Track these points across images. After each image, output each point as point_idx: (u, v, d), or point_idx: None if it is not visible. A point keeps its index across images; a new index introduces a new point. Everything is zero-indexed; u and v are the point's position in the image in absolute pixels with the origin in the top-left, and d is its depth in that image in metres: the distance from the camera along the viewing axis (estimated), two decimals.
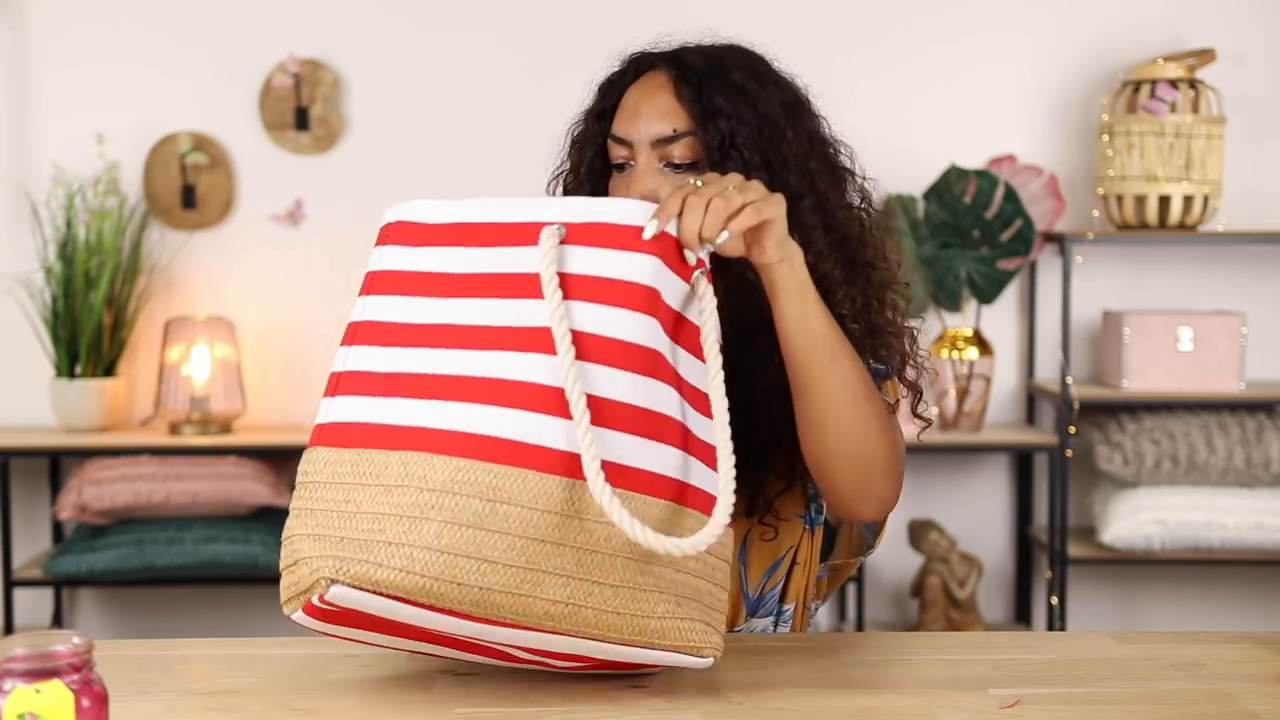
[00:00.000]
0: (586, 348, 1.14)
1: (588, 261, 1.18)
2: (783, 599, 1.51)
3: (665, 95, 1.47)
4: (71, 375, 3.50)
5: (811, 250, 1.44)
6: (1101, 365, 3.62)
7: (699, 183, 1.26)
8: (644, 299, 1.17)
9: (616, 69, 1.55)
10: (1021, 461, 3.72)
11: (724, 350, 1.23)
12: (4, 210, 3.64)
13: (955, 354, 3.52)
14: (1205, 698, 1.23)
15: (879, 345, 1.49)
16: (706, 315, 1.21)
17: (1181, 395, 3.45)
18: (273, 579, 3.39)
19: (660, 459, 1.15)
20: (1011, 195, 3.48)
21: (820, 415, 1.34)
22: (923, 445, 3.44)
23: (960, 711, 1.19)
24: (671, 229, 1.21)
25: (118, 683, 1.20)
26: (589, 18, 3.57)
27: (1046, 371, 3.69)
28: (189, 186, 3.59)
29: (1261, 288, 3.69)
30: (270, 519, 3.46)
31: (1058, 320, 3.60)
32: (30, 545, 3.67)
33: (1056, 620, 3.49)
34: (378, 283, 1.24)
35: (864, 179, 1.56)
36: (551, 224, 1.19)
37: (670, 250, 1.20)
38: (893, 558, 3.73)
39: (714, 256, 1.26)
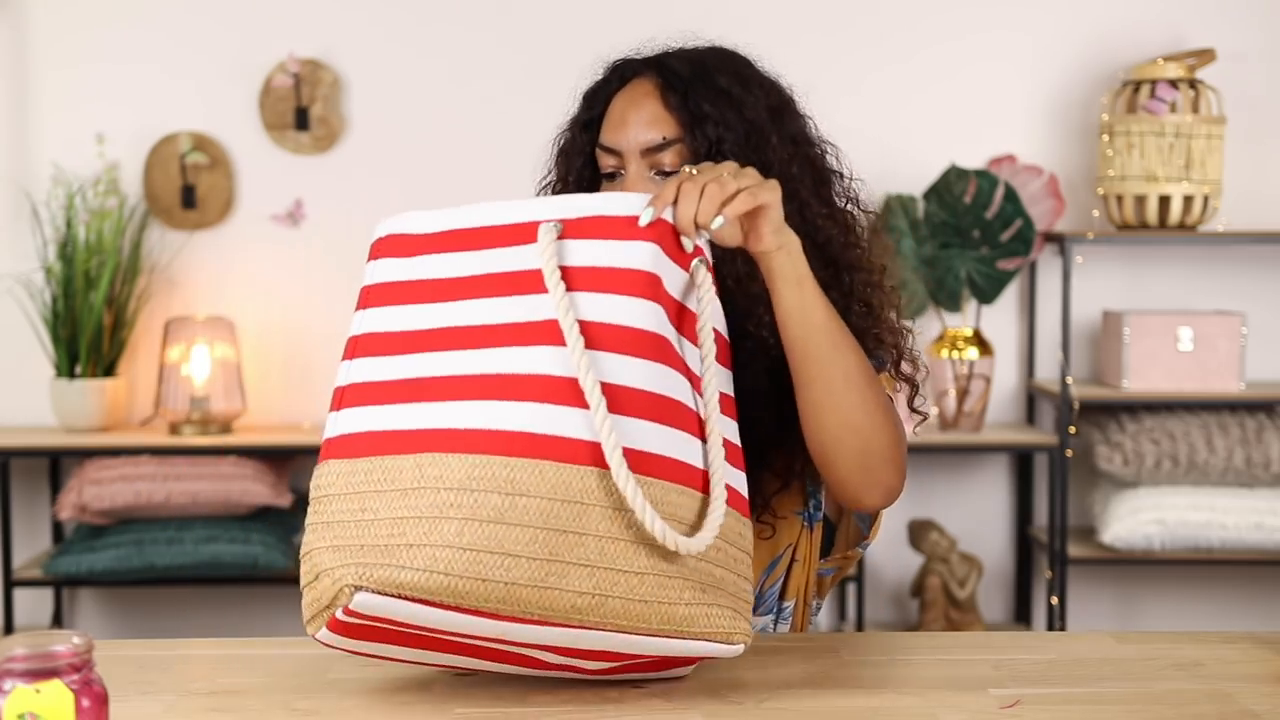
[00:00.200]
0: (593, 336, 1.13)
1: (586, 253, 1.18)
2: (782, 596, 1.51)
3: (652, 103, 1.47)
4: (71, 375, 3.50)
5: None
6: (1101, 365, 3.62)
7: (693, 171, 1.26)
8: (646, 285, 1.17)
9: (600, 77, 1.55)
10: (1021, 461, 3.73)
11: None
12: (4, 210, 3.64)
13: (955, 354, 3.52)
14: (1205, 698, 1.23)
15: (867, 344, 1.49)
16: (704, 303, 1.21)
17: (1181, 395, 3.45)
18: (273, 579, 3.40)
19: (677, 445, 1.15)
20: (1011, 195, 3.48)
21: (823, 404, 1.34)
22: (923, 445, 3.44)
23: (960, 711, 1.19)
24: (668, 216, 1.21)
25: (118, 683, 1.20)
26: (589, 17, 3.58)
27: (1046, 371, 3.69)
28: (189, 186, 3.59)
29: (1261, 288, 3.69)
30: (270, 519, 3.46)
31: (1058, 320, 3.60)
32: (30, 545, 3.67)
33: (1056, 620, 3.49)
34: (374, 296, 1.24)
35: (850, 179, 1.55)
36: (548, 220, 1.19)
37: (668, 238, 1.20)
38: (893, 558, 3.73)
39: (713, 249, 1.26)
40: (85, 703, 0.99)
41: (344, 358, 1.23)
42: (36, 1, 3.61)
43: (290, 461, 3.61)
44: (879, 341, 1.50)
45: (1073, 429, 3.45)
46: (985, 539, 3.74)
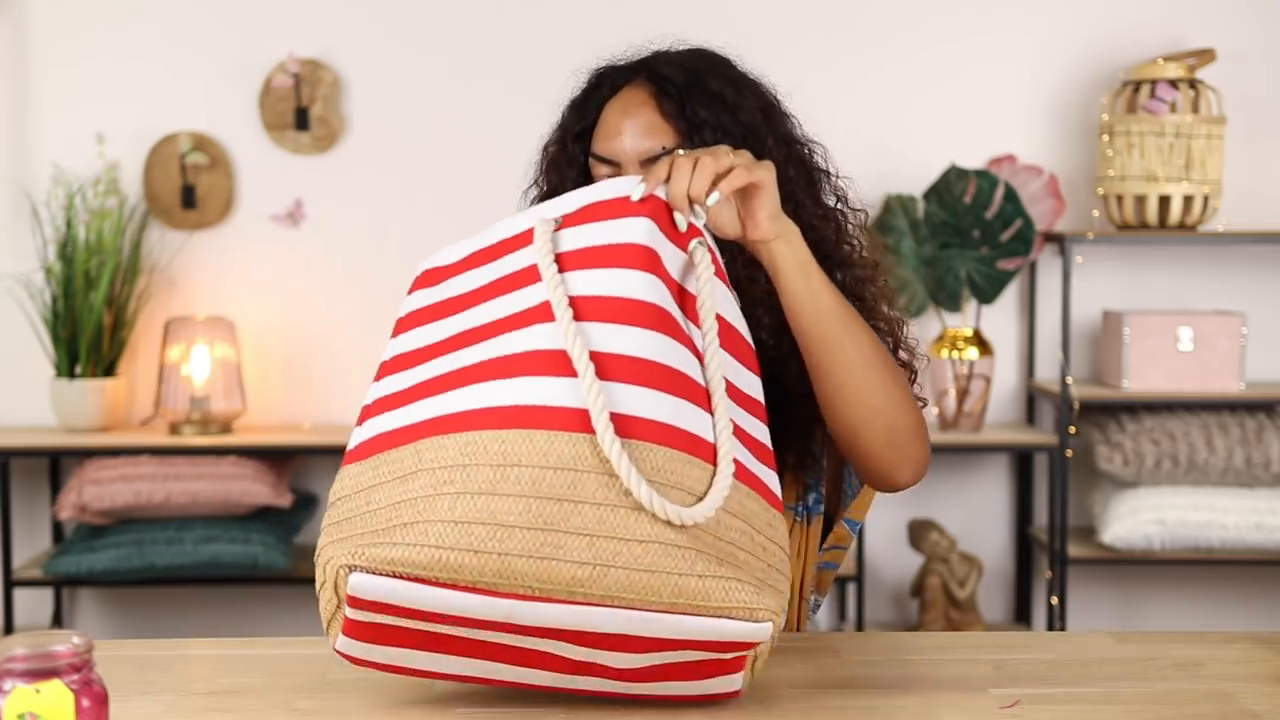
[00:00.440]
0: (587, 310, 1.13)
1: (581, 237, 1.18)
2: None
3: (649, 111, 1.46)
4: (71, 375, 3.50)
5: None
6: (1101, 365, 3.62)
7: (681, 153, 1.26)
8: (641, 257, 1.16)
9: (587, 85, 1.54)
10: (1021, 461, 3.73)
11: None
12: (4, 210, 3.64)
13: (955, 354, 3.52)
14: (1205, 698, 1.23)
15: None
16: (703, 282, 1.19)
17: (1181, 395, 3.45)
18: (273, 579, 3.40)
19: (684, 414, 1.11)
20: (1011, 195, 3.48)
21: (843, 387, 1.34)
22: None
23: (960, 711, 1.19)
24: (661, 194, 1.21)
25: (118, 683, 1.20)
26: (589, 17, 3.58)
27: (1046, 371, 3.69)
28: (189, 186, 3.59)
29: (1261, 288, 3.69)
30: (270, 519, 3.46)
31: (1058, 320, 3.60)
32: (30, 545, 3.67)
33: (1056, 620, 3.49)
34: (405, 324, 1.26)
35: (838, 177, 1.55)
36: (545, 218, 1.20)
37: (662, 214, 1.19)
38: (893, 558, 3.73)
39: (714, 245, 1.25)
40: (85, 703, 0.99)
41: (374, 381, 1.24)
42: (36, 1, 3.61)
43: (290, 461, 3.61)
44: (876, 332, 1.50)
45: (1073, 429, 3.45)
46: (985, 539, 3.74)
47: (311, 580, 3.44)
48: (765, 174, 1.27)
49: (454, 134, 3.63)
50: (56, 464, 3.65)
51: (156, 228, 3.64)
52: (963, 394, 3.52)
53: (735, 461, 1.13)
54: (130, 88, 3.62)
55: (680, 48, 1.56)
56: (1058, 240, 3.50)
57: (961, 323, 3.59)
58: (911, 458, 1.39)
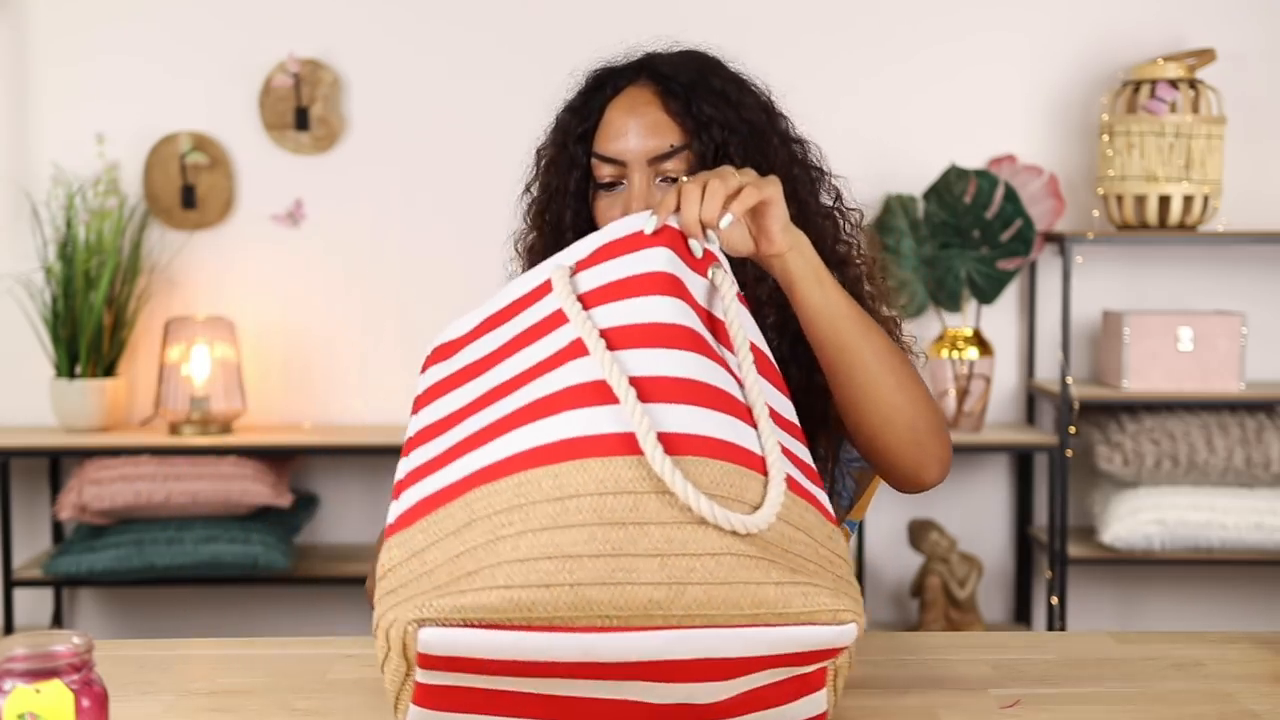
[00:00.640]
0: (618, 339, 1.11)
1: (601, 275, 1.17)
2: None
3: (654, 110, 1.46)
4: (71, 375, 3.50)
5: None
6: (1101, 365, 3.62)
7: (686, 180, 1.25)
8: (665, 284, 1.14)
9: (585, 86, 1.53)
10: (1021, 461, 3.73)
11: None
12: (4, 210, 3.64)
13: (955, 354, 3.52)
14: (1205, 698, 1.23)
15: None
16: (729, 304, 1.18)
17: (1181, 395, 3.45)
18: (273, 579, 3.40)
19: (727, 428, 1.09)
20: (1011, 195, 3.48)
21: (864, 390, 1.35)
22: None
23: (960, 711, 1.19)
24: (673, 223, 1.20)
25: (118, 683, 1.20)
26: (589, 16, 3.58)
27: (1046, 371, 3.69)
28: (189, 186, 3.59)
29: (1261, 288, 3.69)
30: (270, 519, 3.46)
31: (1058, 320, 3.60)
32: (30, 545, 3.67)
33: (1056, 620, 3.49)
34: (424, 398, 1.23)
35: (832, 176, 1.56)
36: (560, 266, 1.19)
37: (678, 243, 1.19)
38: (893, 558, 3.73)
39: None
40: (85, 703, 0.99)
41: (402, 455, 1.20)
42: (36, 1, 3.61)
43: (290, 461, 3.61)
44: None
45: (1073, 429, 3.45)
46: (985, 539, 3.74)
47: (311, 580, 3.44)
48: (773, 189, 1.27)
49: (454, 134, 3.63)
50: (56, 464, 3.65)
51: (156, 228, 3.64)
52: (963, 394, 3.52)
53: (787, 476, 1.11)
54: (130, 88, 3.62)
55: (674, 49, 1.55)
56: (1058, 240, 3.50)
57: (961, 323, 3.59)
58: (935, 455, 1.39)
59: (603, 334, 1.11)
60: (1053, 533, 3.46)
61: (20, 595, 3.64)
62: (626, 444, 1.05)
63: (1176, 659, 1.34)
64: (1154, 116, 3.41)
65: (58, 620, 3.66)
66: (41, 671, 0.98)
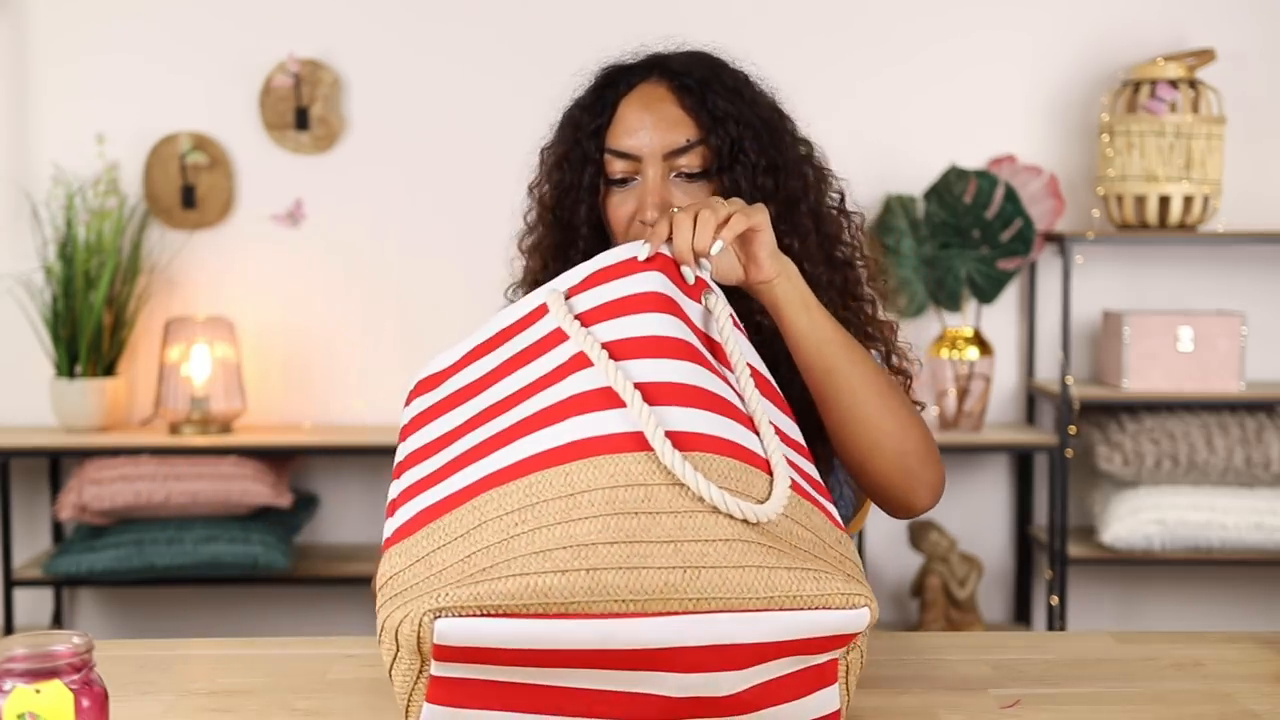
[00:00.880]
0: (620, 351, 1.13)
1: (596, 297, 1.19)
2: None
3: (669, 105, 1.46)
4: (71, 375, 3.50)
5: (804, 252, 1.45)
6: (1101, 365, 3.62)
7: (677, 210, 1.27)
8: (660, 302, 1.16)
9: (596, 83, 1.53)
10: (1021, 461, 3.73)
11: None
12: (4, 210, 3.64)
13: (955, 354, 3.52)
14: (1205, 698, 1.23)
15: (863, 339, 1.50)
16: (723, 323, 1.20)
17: (1181, 395, 3.45)
18: (272, 579, 3.40)
19: (730, 429, 1.11)
20: (1011, 195, 3.48)
21: (852, 416, 1.35)
22: None
23: (960, 711, 1.19)
24: (666, 251, 1.22)
25: (118, 683, 1.20)
26: (589, 16, 3.58)
27: (1046, 371, 3.69)
28: (189, 186, 3.59)
29: (1261, 288, 3.69)
30: (270, 519, 3.46)
31: (1058, 320, 3.60)
32: (30, 545, 3.67)
33: (1056, 620, 3.49)
34: (412, 425, 1.25)
35: (836, 179, 1.56)
36: (554, 291, 1.21)
37: (671, 271, 1.21)
38: (893, 558, 3.73)
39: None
40: (85, 703, 0.99)
41: (394, 477, 1.22)
42: (36, 1, 3.61)
43: (290, 461, 3.61)
44: (868, 337, 1.51)
45: (1073, 429, 3.45)
46: (985, 539, 3.74)
47: (311, 580, 3.44)
48: (761, 217, 1.29)
49: (454, 134, 3.63)
50: (56, 464, 3.65)
51: (156, 228, 3.64)
52: (963, 394, 3.52)
53: (793, 482, 1.13)
54: (130, 87, 3.62)
55: (682, 49, 1.55)
56: (1058, 240, 3.50)
57: (961, 323, 3.59)
58: (925, 482, 1.39)
59: (604, 346, 1.13)
60: (1053, 533, 3.46)
61: (20, 595, 3.64)
62: (635, 441, 1.07)
63: (1176, 659, 1.34)
64: (1154, 116, 3.41)
65: (58, 620, 3.66)
66: (41, 671, 0.98)
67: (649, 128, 1.45)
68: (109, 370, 3.53)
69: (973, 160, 3.62)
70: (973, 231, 3.51)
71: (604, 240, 1.52)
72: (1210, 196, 3.45)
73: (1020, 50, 3.66)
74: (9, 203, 3.64)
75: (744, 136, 1.45)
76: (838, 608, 1.05)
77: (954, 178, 3.49)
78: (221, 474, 3.35)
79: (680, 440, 1.08)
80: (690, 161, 1.45)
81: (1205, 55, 3.47)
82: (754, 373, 1.20)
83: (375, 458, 3.64)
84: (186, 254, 3.65)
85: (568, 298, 1.21)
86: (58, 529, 3.66)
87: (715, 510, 1.05)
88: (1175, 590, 3.75)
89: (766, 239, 1.29)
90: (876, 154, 3.61)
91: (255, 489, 3.35)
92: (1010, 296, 3.70)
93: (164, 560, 3.33)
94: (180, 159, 3.58)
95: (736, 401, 1.15)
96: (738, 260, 1.32)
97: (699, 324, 1.20)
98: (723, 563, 1.04)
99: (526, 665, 1.04)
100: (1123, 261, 3.69)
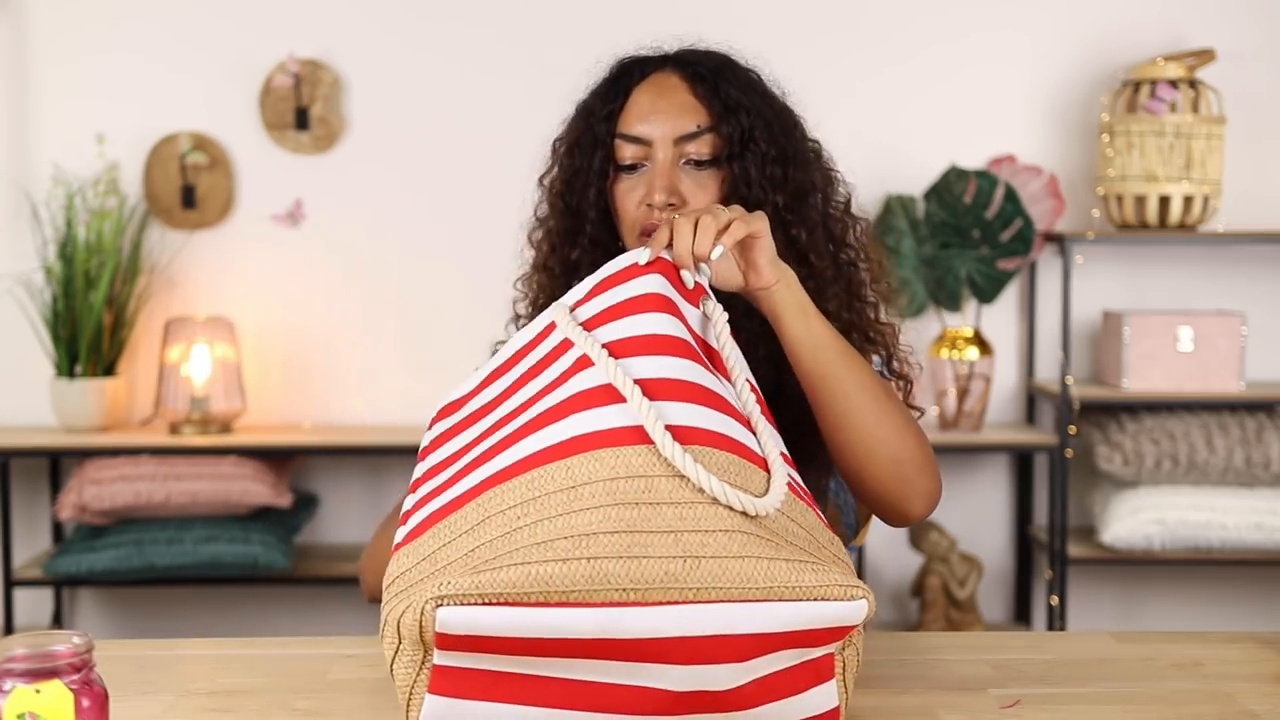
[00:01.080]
0: (621, 350, 1.15)
1: (599, 303, 1.21)
2: None
3: (682, 93, 1.47)
4: (71, 375, 3.50)
5: (811, 244, 1.45)
6: (1101, 365, 3.62)
7: (678, 215, 1.28)
8: (660, 303, 1.18)
9: (611, 73, 1.54)
10: (1021, 461, 3.73)
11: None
12: (4, 210, 3.64)
13: (955, 354, 3.52)
14: (1205, 698, 1.23)
15: (864, 341, 1.50)
16: (720, 329, 1.22)
17: (1181, 395, 3.45)
18: (273, 579, 3.40)
19: (728, 425, 1.13)
20: (1011, 195, 3.48)
21: (848, 423, 1.35)
22: None
23: (960, 711, 1.19)
24: (666, 256, 1.23)
25: (118, 683, 1.20)
26: (589, 16, 3.58)
27: (1046, 371, 3.69)
28: (189, 186, 3.59)
29: (1261, 288, 3.69)
30: (270, 519, 3.46)
31: (1058, 320, 3.60)
32: (30, 545, 3.67)
33: (1056, 620, 3.49)
34: (430, 447, 1.27)
35: (843, 182, 1.57)
36: (560, 306, 1.23)
37: (671, 275, 1.22)
38: (893, 558, 3.73)
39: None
40: (85, 703, 0.99)
41: (409, 493, 1.24)
42: (36, 1, 3.61)
43: (290, 461, 3.61)
44: (869, 339, 1.51)
45: (1073, 429, 3.45)
46: (985, 539, 3.74)
47: (311, 580, 3.44)
48: (761, 224, 1.29)
49: (454, 134, 3.63)
50: (56, 464, 3.65)
51: (156, 228, 3.64)
52: (963, 394, 3.52)
53: (790, 481, 1.14)
54: (130, 87, 3.62)
55: (696, 46, 1.57)
56: (1058, 240, 3.50)
57: (961, 323, 3.59)
58: (920, 489, 1.39)
59: (604, 346, 1.15)
60: (1053, 533, 3.46)
61: (20, 595, 3.64)
62: (636, 435, 1.09)
63: (1176, 659, 1.34)
64: (1154, 116, 3.41)
65: (58, 620, 3.66)
66: (41, 671, 0.98)
67: (661, 113, 1.46)
68: (109, 370, 3.53)
69: (973, 160, 3.62)
70: (973, 231, 3.51)
71: (611, 228, 1.53)
72: (1210, 196, 3.45)
73: (1020, 50, 3.66)
74: (9, 203, 3.64)
75: (755, 126, 1.46)
76: (836, 599, 1.06)
77: (954, 178, 3.49)
78: (221, 474, 3.35)
79: (680, 434, 1.09)
80: (700, 148, 1.45)
81: (1205, 55, 3.47)
82: (749, 385, 1.22)
83: (375, 458, 3.64)
84: (186, 254, 3.65)
85: (573, 310, 1.23)
86: (58, 529, 3.66)
87: (715, 502, 1.07)
88: (1175, 590, 3.75)
89: (766, 246, 1.30)
90: (876, 154, 3.61)
91: (255, 489, 3.35)
92: (1010, 296, 3.70)
93: (164, 560, 3.33)
94: (180, 159, 3.58)
95: (734, 401, 1.17)
96: (737, 266, 1.32)
97: (697, 328, 1.21)
98: (723, 553, 1.05)
99: (528, 654, 1.05)
100: (1123, 261, 3.69)
